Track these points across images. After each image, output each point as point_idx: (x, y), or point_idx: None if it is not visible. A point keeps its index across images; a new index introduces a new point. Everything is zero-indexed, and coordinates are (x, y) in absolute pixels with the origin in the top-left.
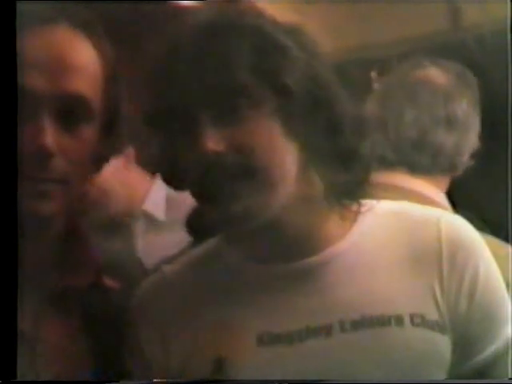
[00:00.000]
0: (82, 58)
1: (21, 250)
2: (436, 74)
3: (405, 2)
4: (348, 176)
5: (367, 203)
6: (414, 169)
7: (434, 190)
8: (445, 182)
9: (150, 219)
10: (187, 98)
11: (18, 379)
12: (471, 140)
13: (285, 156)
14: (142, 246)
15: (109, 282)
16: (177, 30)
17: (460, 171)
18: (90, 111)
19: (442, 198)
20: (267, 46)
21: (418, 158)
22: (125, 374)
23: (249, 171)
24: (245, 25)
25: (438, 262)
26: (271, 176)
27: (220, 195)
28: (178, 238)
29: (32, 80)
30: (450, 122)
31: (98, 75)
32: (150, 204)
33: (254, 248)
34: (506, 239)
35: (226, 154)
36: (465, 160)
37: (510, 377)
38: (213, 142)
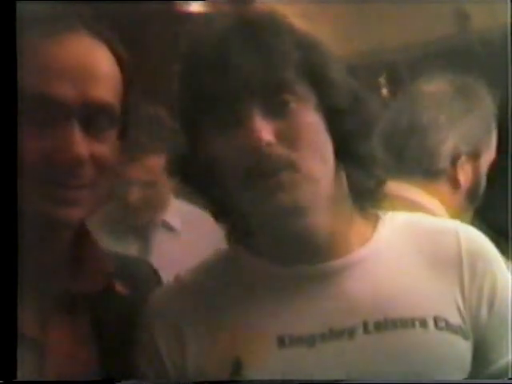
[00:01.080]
0: (104, 66)
1: (32, 254)
2: (430, 84)
3: (412, 8)
4: (368, 177)
5: (386, 213)
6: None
7: (431, 200)
8: (443, 194)
9: (168, 229)
10: (236, 92)
11: (19, 379)
12: (448, 145)
13: (327, 151)
14: (156, 254)
15: (119, 287)
16: (220, 26)
17: (440, 177)
18: (113, 117)
19: (441, 210)
20: (308, 43)
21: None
22: (137, 377)
23: (295, 164)
24: (283, 23)
25: (458, 270)
26: (315, 170)
27: (265, 186)
28: (190, 249)
29: (61, 89)
30: (413, 126)
31: (117, 82)
32: (169, 215)
33: (278, 249)
34: (506, 240)
35: (276, 146)
36: (442, 165)
37: (510, 377)
38: (266, 132)
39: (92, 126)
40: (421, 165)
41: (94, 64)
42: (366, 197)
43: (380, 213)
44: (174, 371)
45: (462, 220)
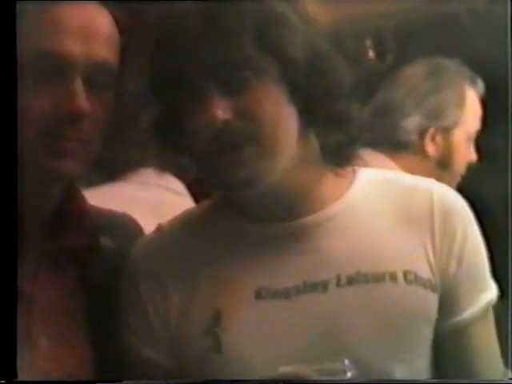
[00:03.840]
0: (106, 28)
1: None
2: (409, 67)
3: None
4: (341, 136)
5: (361, 169)
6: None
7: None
8: (410, 163)
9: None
10: (195, 70)
11: (19, 378)
12: (412, 121)
13: (289, 122)
14: None
15: (106, 242)
16: (181, 3)
17: (406, 148)
18: (112, 78)
19: None
20: (269, 17)
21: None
22: (122, 331)
23: (255, 138)
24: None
25: (430, 225)
26: (277, 142)
27: (226, 161)
28: None
29: (67, 46)
30: (385, 104)
31: (117, 46)
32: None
33: (253, 208)
34: (506, 239)
35: (234, 122)
36: (407, 138)
37: (510, 377)
38: (222, 110)
39: (93, 83)
40: (388, 138)
41: (98, 25)
42: (338, 154)
43: (356, 169)
44: (158, 322)
45: None
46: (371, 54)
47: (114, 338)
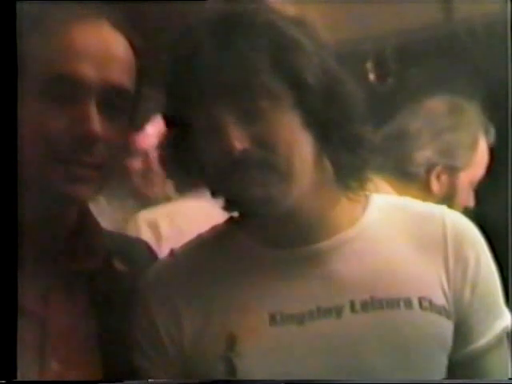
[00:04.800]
0: (122, 52)
1: (35, 231)
2: (430, 102)
3: None
4: (354, 159)
5: (374, 195)
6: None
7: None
8: (414, 196)
9: None
10: (210, 97)
11: (19, 378)
12: (424, 154)
13: (304, 148)
14: None
15: (118, 265)
16: (191, 27)
17: (412, 180)
18: (127, 102)
19: None
20: (283, 43)
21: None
22: (134, 354)
23: (272, 164)
24: (259, 22)
25: (443, 253)
26: (292, 168)
27: (240, 182)
28: None
29: (82, 69)
30: (399, 131)
31: (133, 69)
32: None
33: (268, 232)
34: (506, 239)
35: (251, 151)
36: (415, 170)
37: (510, 377)
38: (238, 140)
39: (108, 107)
40: (395, 165)
41: (113, 49)
42: (351, 177)
43: (369, 194)
44: (171, 346)
45: None
46: (372, 76)
47: (126, 361)
